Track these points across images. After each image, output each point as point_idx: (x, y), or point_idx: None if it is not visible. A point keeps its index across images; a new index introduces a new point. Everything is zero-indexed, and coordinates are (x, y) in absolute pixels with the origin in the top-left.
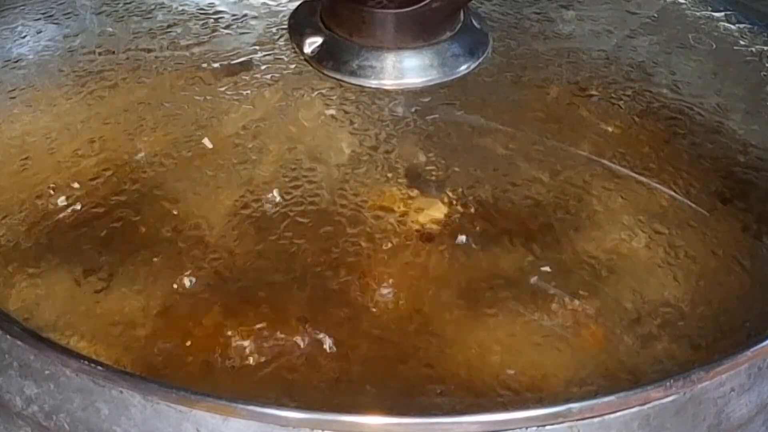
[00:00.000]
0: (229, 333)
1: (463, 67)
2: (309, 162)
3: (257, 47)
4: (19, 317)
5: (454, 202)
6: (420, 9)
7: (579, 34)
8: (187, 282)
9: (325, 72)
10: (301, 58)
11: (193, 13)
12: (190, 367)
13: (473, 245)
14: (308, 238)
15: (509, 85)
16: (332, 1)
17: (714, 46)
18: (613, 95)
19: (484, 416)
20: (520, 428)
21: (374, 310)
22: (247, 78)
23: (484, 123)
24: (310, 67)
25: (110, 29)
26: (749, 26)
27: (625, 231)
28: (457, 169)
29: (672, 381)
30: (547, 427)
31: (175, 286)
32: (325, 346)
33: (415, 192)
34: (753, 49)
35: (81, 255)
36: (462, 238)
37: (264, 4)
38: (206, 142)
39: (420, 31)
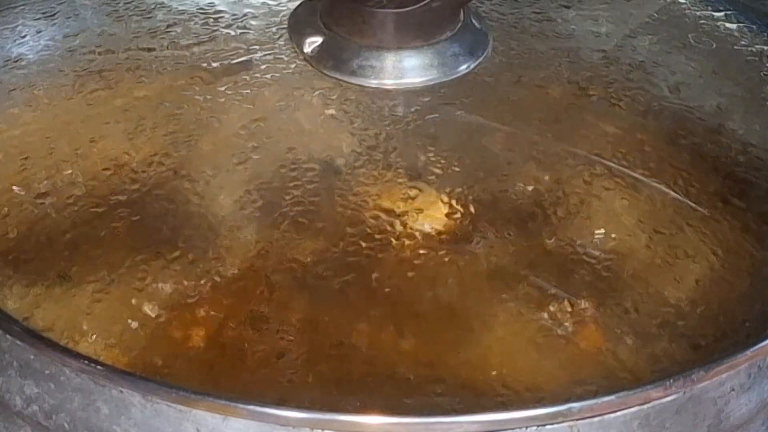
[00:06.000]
0: (229, 333)
1: (463, 67)
2: (309, 162)
3: (257, 47)
4: (19, 317)
5: (454, 202)
6: (420, 9)
7: (579, 34)
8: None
9: (325, 72)
10: (301, 57)
11: (193, 13)
12: (191, 367)
13: (473, 245)
14: (308, 237)
15: (509, 85)
16: (332, 1)
17: (714, 46)
18: (613, 95)
19: (484, 416)
20: (520, 428)
21: (374, 310)
22: (247, 78)
23: (484, 123)
24: (310, 67)
25: (110, 29)
26: (749, 26)
27: (625, 231)
28: (457, 168)
29: (672, 381)
30: (547, 427)
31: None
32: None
33: (415, 192)
34: (753, 49)
35: (81, 255)
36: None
37: (264, 3)
38: (204, 144)
39: (420, 31)
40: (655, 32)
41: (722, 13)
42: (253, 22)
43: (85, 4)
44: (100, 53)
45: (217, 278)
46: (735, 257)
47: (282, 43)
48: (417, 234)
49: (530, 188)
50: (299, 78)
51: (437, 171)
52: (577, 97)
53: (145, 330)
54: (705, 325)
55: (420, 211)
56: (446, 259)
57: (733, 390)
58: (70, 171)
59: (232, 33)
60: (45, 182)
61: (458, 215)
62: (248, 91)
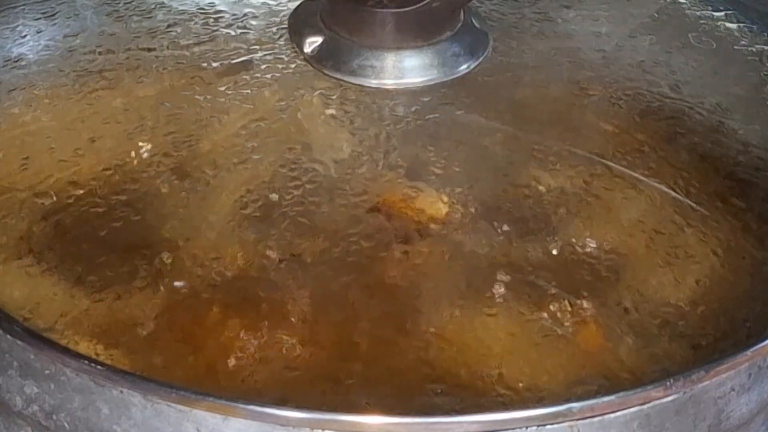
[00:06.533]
0: (229, 333)
1: (463, 67)
2: (309, 162)
3: (257, 47)
4: (19, 317)
5: (454, 202)
6: (420, 9)
7: (579, 34)
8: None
9: (325, 72)
10: (301, 57)
11: (193, 13)
12: (191, 367)
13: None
14: (308, 238)
15: (509, 85)
16: (332, 1)
17: (714, 46)
18: (613, 95)
19: (484, 416)
20: (520, 428)
21: (374, 309)
22: (247, 78)
23: (484, 123)
24: (310, 67)
25: (110, 29)
26: (749, 26)
27: (625, 231)
28: (457, 168)
29: (672, 381)
30: (547, 427)
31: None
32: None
33: (415, 192)
34: (753, 49)
35: (81, 255)
36: None
37: (264, 4)
38: (204, 144)
39: (420, 31)
40: (655, 32)
41: (722, 13)
42: (254, 22)
43: (85, 4)
44: (100, 53)
45: (218, 278)
46: (735, 257)
47: (282, 43)
48: (417, 234)
49: (530, 188)
50: (299, 78)
51: (437, 171)
52: (577, 97)
53: (145, 330)
54: (705, 325)
55: (420, 211)
56: (446, 259)
57: (733, 390)
58: (70, 171)
59: (233, 33)
60: (45, 182)
61: (458, 215)
62: (248, 91)
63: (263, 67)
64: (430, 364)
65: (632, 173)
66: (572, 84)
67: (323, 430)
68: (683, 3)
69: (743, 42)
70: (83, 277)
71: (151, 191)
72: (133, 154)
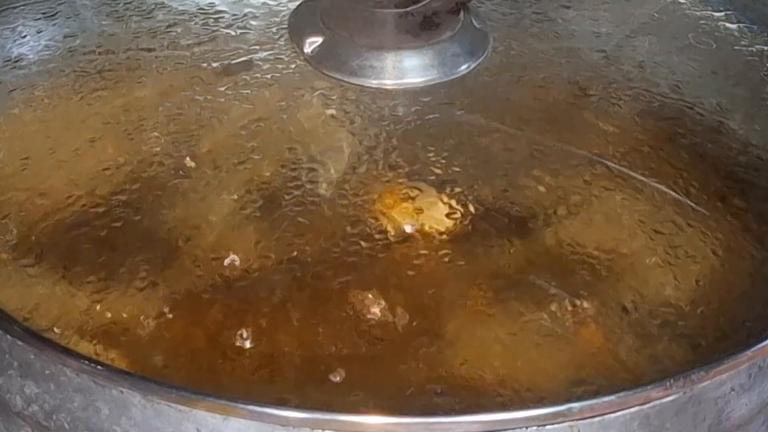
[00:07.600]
0: (230, 333)
1: (463, 67)
2: (309, 162)
3: (257, 47)
4: (19, 317)
5: (455, 202)
6: (420, 9)
7: (579, 34)
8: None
9: (325, 72)
10: (301, 58)
11: (193, 13)
12: (191, 367)
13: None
14: (308, 238)
15: (509, 85)
16: (332, 1)
17: (714, 46)
18: (613, 95)
19: (484, 416)
20: (520, 428)
21: (374, 309)
22: (247, 78)
23: (484, 123)
24: (310, 67)
25: (110, 29)
26: (749, 26)
27: (625, 231)
28: (457, 169)
29: (672, 381)
30: (547, 427)
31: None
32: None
33: (415, 192)
34: (753, 49)
35: (81, 255)
36: None
37: (264, 4)
38: (204, 144)
39: (420, 31)
40: (655, 32)
41: (722, 13)
42: (254, 22)
43: (85, 4)
44: (100, 53)
45: (217, 278)
46: (735, 257)
47: (282, 43)
48: (417, 234)
49: (530, 188)
50: (299, 78)
51: (437, 171)
52: (577, 97)
53: (145, 330)
54: (705, 325)
55: (420, 211)
56: (446, 259)
57: (733, 390)
58: (70, 171)
59: (233, 33)
60: (45, 182)
61: (458, 215)
62: (248, 91)
63: (263, 67)
64: (430, 364)
65: (632, 173)
66: (572, 84)
67: (323, 430)
68: (683, 3)
69: (743, 42)
70: (83, 277)
71: (151, 191)
72: (133, 154)
